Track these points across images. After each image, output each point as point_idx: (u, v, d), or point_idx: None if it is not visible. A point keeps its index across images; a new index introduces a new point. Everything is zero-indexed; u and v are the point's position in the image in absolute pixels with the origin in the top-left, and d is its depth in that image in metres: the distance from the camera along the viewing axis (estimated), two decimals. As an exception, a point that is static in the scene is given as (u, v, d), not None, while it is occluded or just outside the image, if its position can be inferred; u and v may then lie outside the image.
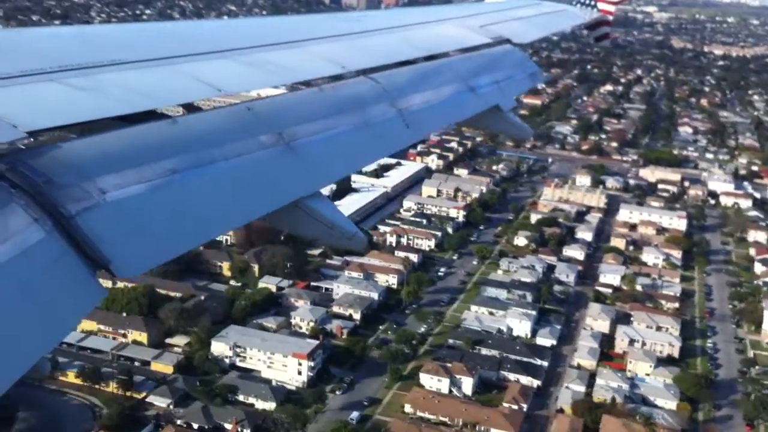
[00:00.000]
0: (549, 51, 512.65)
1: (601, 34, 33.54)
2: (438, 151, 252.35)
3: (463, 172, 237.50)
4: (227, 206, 7.87)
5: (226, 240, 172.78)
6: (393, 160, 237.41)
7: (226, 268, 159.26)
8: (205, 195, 7.64)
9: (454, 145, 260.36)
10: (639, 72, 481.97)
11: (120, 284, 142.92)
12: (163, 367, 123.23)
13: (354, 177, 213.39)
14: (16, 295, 5.53)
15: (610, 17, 33.00)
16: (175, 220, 7.14)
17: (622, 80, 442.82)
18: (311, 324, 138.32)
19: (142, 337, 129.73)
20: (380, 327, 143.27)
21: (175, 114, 8.41)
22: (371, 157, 11.19)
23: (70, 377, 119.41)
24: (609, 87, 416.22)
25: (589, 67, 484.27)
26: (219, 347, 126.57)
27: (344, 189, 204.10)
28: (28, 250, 5.71)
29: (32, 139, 6.59)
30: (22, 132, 6.47)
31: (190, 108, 8.82)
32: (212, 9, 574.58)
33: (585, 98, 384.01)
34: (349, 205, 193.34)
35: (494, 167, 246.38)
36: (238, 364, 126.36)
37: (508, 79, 16.43)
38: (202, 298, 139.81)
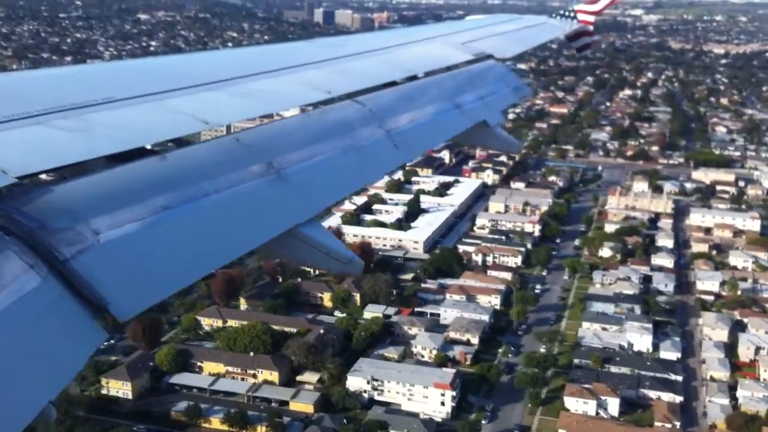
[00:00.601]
0: (555, 59, 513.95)
1: (583, 44, 33.59)
2: (490, 165, 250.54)
3: (519, 185, 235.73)
4: (222, 239, 7.77)
5: (314, 269, 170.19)
6: (451, 178, 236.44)
7: (327, 298, 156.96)
8: (199, 229, 7.58)
9: (503, 158, 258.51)
10: (650, 75, 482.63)
11: (231, 322, 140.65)
12: (303, 406, 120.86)
13: (421, 197, 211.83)
14: (15, 343, 5.49)
15: (591, 27, 33.05)
16: (170, 257, 7.06)
17: (638, 84, 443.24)
18: (434, 351, 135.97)
19: (273, 376, 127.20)
20: (499, 350, 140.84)
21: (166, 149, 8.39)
22: (363, 181, 11.02)
23: (215, 423, 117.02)
24: (628, 92, 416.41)
25: (598, 72, 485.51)
26: (355, 382, 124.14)
27: (415, 211, 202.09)
28: (25, 296, 5.66)
29: (23, 185, 6.55)
30: (12, 177, 6.42)
31: (179, 142, 8.72)
32: (214, 36, 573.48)
33: (608, 104, 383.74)
34: (424, 227, 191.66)
35: (549, 179, 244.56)
36: (376, 398, 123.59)
37: (492, 95, 16.41)
38: (322, 331, 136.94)
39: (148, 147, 8.14)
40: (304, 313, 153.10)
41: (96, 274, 6.13)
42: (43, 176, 7.00)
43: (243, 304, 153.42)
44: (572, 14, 32.73)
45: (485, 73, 17.73)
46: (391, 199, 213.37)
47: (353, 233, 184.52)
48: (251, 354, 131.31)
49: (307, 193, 9.24)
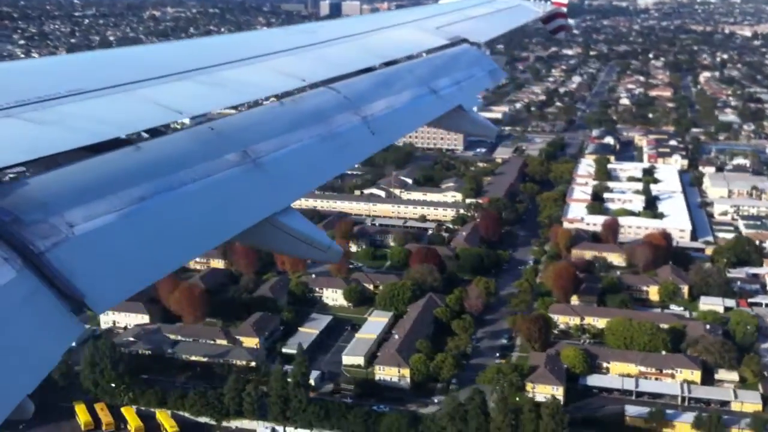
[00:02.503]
0: (593, 44, 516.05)
1: (557, 26, 33.32)
2: (668, 149, 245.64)
3: (709, 169, 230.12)
4: (198, 229, 7.72)
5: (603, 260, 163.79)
6: (646, 164, 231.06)
7: (653, 291, 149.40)
8: (175, 219, 7.48)
9: (673, 142, 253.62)
10: (705, 56, 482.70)
11: (588, 320, 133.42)
12: (752, 406, 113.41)
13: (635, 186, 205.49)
14: None
15: (564, 9, 32.71)
16: (146, 248, 6.98)
17: (708, 65, 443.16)
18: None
19: (695, 375, 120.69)
20: None
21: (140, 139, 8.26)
22: (340, 168, 10.82)
23: (682, 429, 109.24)
24: (707, 73, 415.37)
25: (651, 55, 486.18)
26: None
27: (652, 199, 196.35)
28: (0, 290, 5.65)
29: None
30: None
31: (153, 132, 8.53)
32: (245, 31, 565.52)
33: (698, 86, 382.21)
34: (677, 215, 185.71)
35: (733, 162, 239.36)
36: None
37: (468, 79, 16.11)
38: (708, 327, 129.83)
39: (123, 137, 8.01)
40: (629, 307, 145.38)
41: (71, 267, 6.04)
42: (16, 169, 6.88)
43: (574, 300, 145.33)
44: None
45: (460, 58, 17.48)
46: (615, 188, 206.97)
47: (629, 224, 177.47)
48: (663, 353, 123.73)
49: (284, 181, 9.11)
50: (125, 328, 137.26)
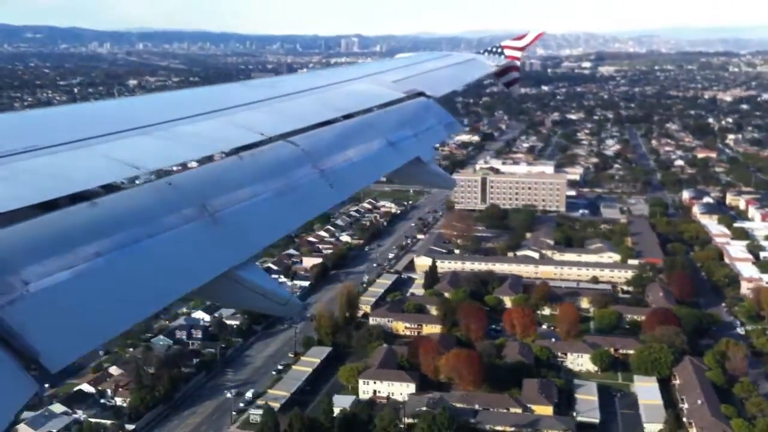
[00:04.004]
0: (589, 109, 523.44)
1: (511, 80, 34.05)
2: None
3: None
4: (155, 285, 7.60)
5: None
6: (762, 223, 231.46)
7: None
8: (132, 275, 7.40)
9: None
10: (711, 120, 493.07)
11: None
12: None
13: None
14: None
15: (518, 62, 33.52)
16: (102, 305, 6.89)
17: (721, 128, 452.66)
18: None
19: None
20: None
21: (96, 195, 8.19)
22: (298, 221, 10.82)
23: None
24: (732, 136, 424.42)
25: (657, 119, 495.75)
26: None
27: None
28: None
29: None
30: None
31: (110, 188, 8.41)
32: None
33: (733, 148, 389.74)
34: None
35: None
36: None
37: (425, 131, 16.49)
38: None
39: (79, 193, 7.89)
40: None
41: (26, 325, 5.97)
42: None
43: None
44: (499, 50, 32.67)
45: (417, 111, 17.76)
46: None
47: None
48: None
49: (242, 235, 9.01)
50: (388, 398, 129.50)
